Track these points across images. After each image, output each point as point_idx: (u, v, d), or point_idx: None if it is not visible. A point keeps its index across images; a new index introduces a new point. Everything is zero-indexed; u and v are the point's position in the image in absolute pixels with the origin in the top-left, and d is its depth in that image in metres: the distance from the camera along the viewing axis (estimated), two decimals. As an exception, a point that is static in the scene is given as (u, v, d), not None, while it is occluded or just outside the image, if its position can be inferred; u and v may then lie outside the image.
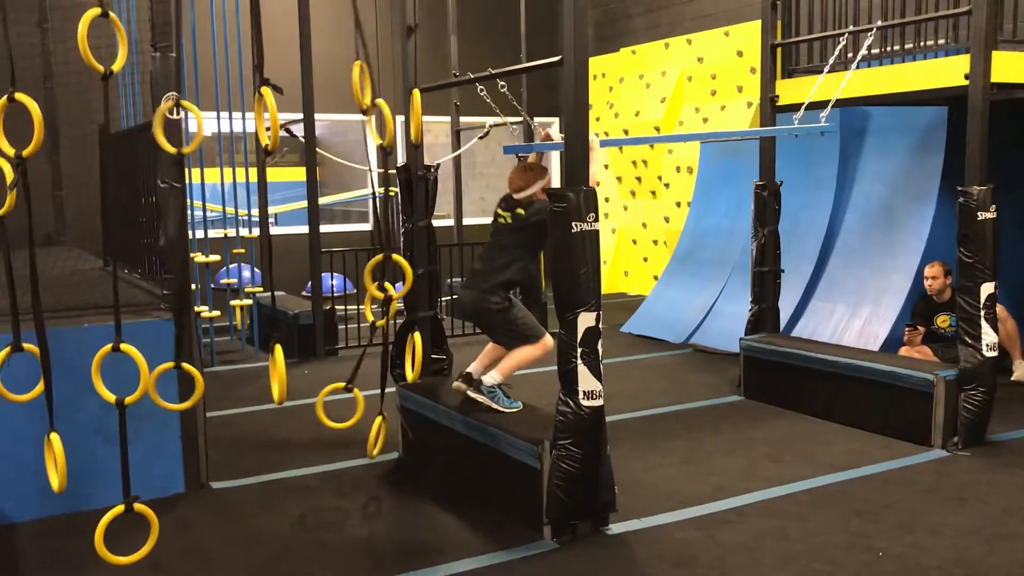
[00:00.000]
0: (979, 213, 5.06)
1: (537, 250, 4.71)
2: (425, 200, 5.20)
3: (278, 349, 3.65)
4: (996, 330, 5.23)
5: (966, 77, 5.11)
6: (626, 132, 11.38)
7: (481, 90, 4.56)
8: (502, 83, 4.46)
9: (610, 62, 12.22)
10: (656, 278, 9.95)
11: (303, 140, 8.23)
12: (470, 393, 4.61)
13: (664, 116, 10.90)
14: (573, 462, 3.94)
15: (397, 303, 4.49)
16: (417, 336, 4.89)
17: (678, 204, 10.72)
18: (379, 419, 4.46)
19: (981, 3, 5.02)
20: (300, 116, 8.13)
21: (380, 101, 3.94)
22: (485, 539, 4.09)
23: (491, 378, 4.59)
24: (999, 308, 5.95)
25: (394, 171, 5.15)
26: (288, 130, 8.79)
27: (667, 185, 10.99)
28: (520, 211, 4.48)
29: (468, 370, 4.76)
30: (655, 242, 11.39)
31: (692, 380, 7.09)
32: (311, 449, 5.47)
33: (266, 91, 3.43)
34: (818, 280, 7.71)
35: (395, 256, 4.12)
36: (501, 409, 4.51)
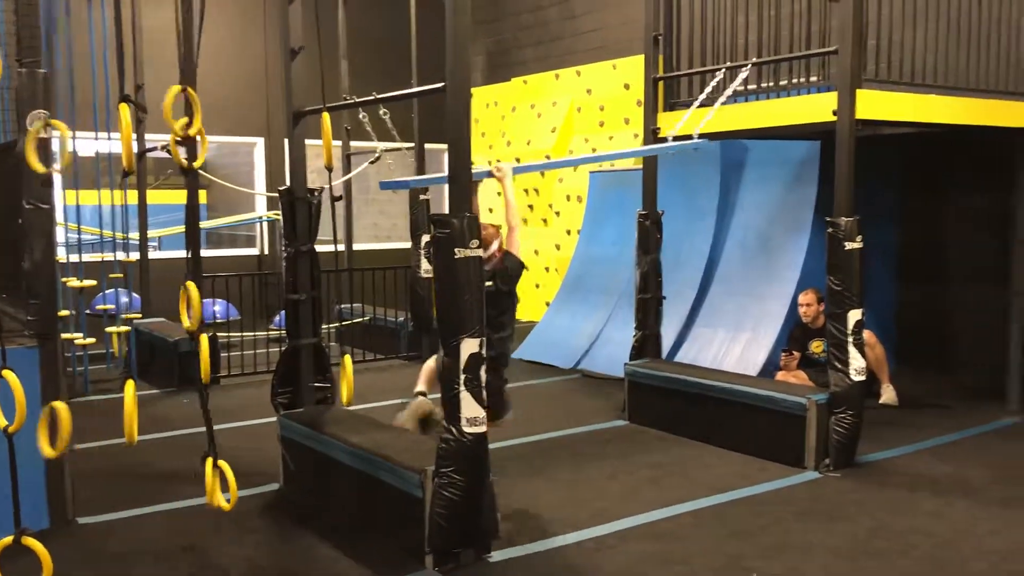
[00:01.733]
0: (846, 243, 5.29)
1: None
2: (308, 224, 5.11)
3: (129, 386, 3.46)
4: (864, 355, 5.47)
5: (834, 113, 5.36)
6: (518, 160, 11.49)
7: (362, 115, 4.52)
8: (384, 110, 4.43)
9: (503, 91, 12.35)
10: (548, 304, 10.04)
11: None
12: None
13: (555, 145, 11.05)
14: (455, 490, 3.91)
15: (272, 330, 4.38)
16: (347, 359, 4.73)
17: (568, 232, 10.87)
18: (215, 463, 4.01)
19: (846, 44, 5.28)
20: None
21: (325, 115, 3.81)
22: (366, 570, 4.01)
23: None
24: (867, 334, 6.22)
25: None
26: (168, 151, 8.53)
27: (558, 213, 11.13)
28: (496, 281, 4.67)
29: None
30: (547, 269, 11.50)
31: (579, 405, 7.16)
32: (187, 481, 5.27)
33: (123, 108, 3.30)
34: (700, 306, 7.91)
35: (189, 284, 3.82)
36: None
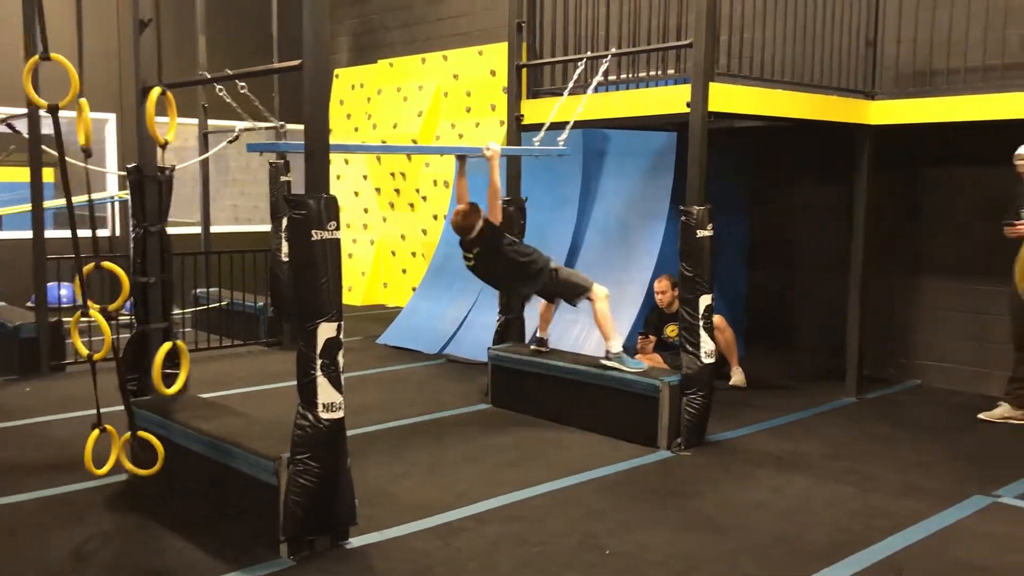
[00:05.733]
0: (698, 231, 5.50)
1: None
2: (158, 204, 4.90)
3: None
4: (714, 339, 5.69)
5: (688, 105, 5.54)
6: (384, 143, 11.38)
7: (220, 90, 4.37)
8: (242, 84, 4.30)
9: (368, 73, 12.18)
10: (415, 290, 10.00)
11: (27, 136, 7.53)
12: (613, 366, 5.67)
13: (421, 130, 11.00)
14: (311, 477, 3.86)
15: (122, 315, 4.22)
16: (182, 345, 4.58)
17: (435, 217, 10.84)
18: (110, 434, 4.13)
19: (700, 38, 5.47)
20: (24, 111, 7.44)
21: (83, 101, 3.66)
22: (217, 560, 3.90)
23: (615, 345, 5.72)
24: (717, 318, 6.49)
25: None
26: (10, 125, 8.03)
27: (425, 198, 11.09)
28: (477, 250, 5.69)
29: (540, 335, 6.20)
30: (413, 254, 11.45)
31: (443, 390, 7.17)
32: (31, 472, 5.02)
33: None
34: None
35: (107, 264, 3.78)
36: (630, 370, 5.62)
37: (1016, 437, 5.91)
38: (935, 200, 7.31)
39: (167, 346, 4.57)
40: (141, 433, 4.30)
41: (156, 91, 4.28)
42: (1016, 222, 5.87)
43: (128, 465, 4.34)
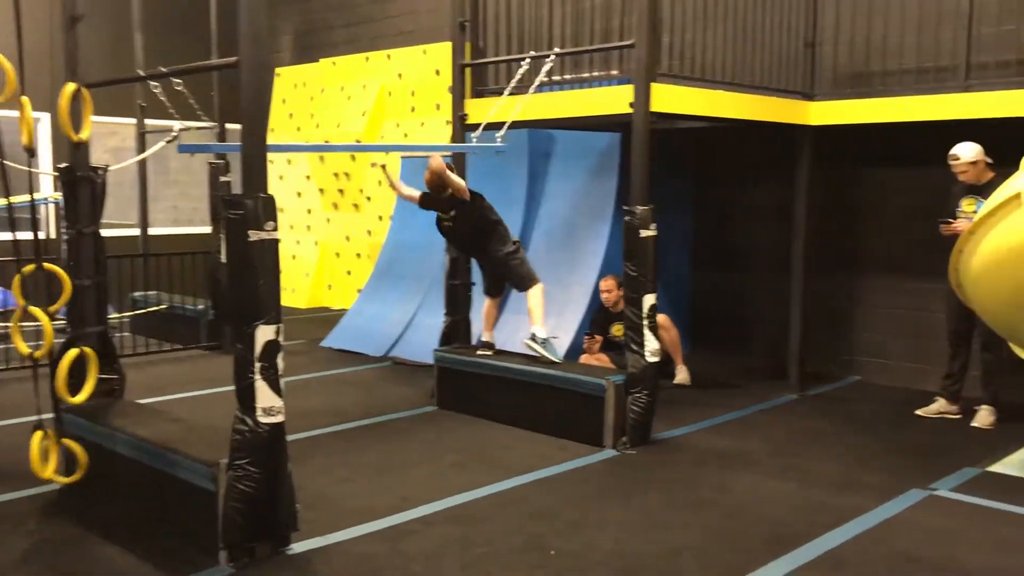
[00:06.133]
0: (642, 231, 5.52)
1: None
2: (92, 205, 4.77)
3: None
4: (659, 338, 5.72)
5: (631, 105, 5.56)
6: (327, 141, 11.27)
7: (155, 88, 4.27)
8: (177, 82, 4.20)
9: (311, 72, 12.04)
10: (360, 292, 9.90)
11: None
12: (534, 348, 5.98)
13: (365, 129, 10.90)
14: (251, 482, 3.78)
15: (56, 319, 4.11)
16: (72, 354, 4.46)
17: (380, 218, 10.76)
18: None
19: (642, 39, 5.49)
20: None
21: (24, 99, 3.56)
22: (154, 569, 3.81)
23: (543, 331, 5.99)
24: (662, 317, 6.54)
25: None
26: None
27: (369, 199, 11.00)
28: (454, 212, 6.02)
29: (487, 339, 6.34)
30: (358, 255, 11.34)
31: (389, 393, 7.11)
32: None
33: None
34: (509, 293, 8.02)
35: (48, 266, 3.72)
36: (549, 357, 5.92)
37: (952, 432, 6.05)
38: (874, 200, 7.45)
39: (73, 352, 4.46)
40: (64, 440, 4.18)
41: (70, 87, 4.17)
42: (951, 220, 6.01)
43: (46, 472, 4.21)
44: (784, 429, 6.10)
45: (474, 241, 6.28)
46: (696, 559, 3.99)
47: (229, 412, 3.87)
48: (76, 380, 4.78)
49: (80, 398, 4.52)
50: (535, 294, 6.16)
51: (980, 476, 5.13)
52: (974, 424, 6.11)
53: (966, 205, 6.02)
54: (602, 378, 5.64)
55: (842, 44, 6.97)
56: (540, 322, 6.10)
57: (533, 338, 6.05)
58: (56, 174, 4.01)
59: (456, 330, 6.79)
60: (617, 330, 7.06)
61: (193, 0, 10.87)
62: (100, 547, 4.05)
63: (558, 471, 5.17)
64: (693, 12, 6.27)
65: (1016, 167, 4.75)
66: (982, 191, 5.90)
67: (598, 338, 7.19)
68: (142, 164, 9.22)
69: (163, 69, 4.19)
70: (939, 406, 6.37)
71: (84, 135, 4.32)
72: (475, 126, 6.47)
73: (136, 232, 9.84)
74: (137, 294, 9.29)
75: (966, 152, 5.95)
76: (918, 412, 6.41)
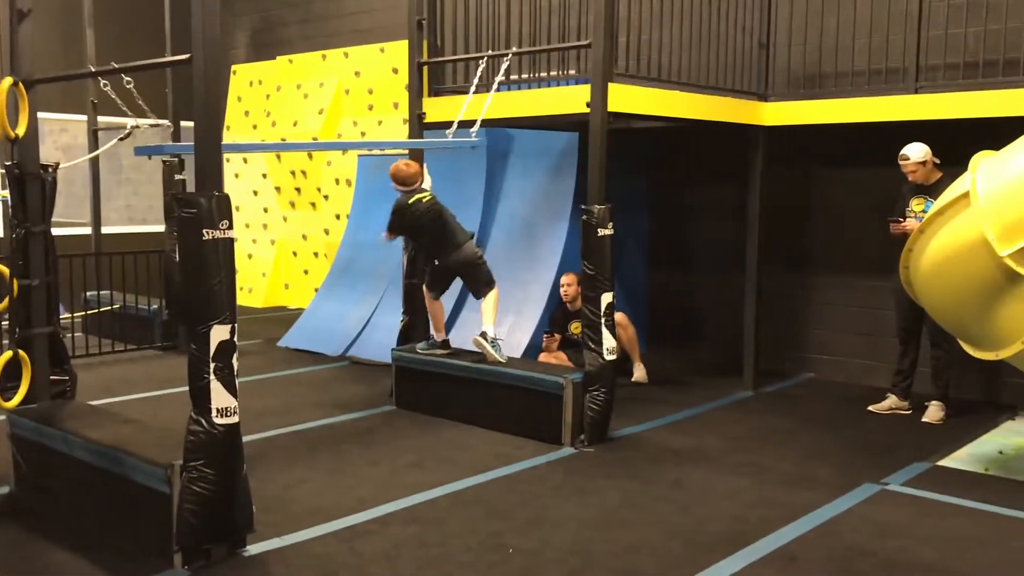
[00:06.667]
0: (599, 230, 5.55)
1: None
2: (42, 203, 4.68)
3: None
4: (616, 336, 5.76)
5: (588, 105, 5.58)
6: (284, 141, 11.17)
7: (105, 85, 4.19)
8: (128, 79, 4.14)
9: (267, 69, 11.91)
10: (317, 291, 9.82)
11: None
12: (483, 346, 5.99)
13: (322, 128, 10.82)
14: (206, 484, 3.74)
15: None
16: (23, 355, 4.39)
17: (338, 216, 10.69)
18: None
19: (599, 39, 5.52)
20: None
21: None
22: (104, 573, 3.75)
23: (493, 331, 6.06)
24: (619, 315, 6.58)
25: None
26: None
27: (326, 197, 10.92)
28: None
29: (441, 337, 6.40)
30: (316, 254, 11.26)
31: (347, 393, 7.06)
32: None
33: None
34: (467, 292, 8.02)
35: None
36: (495, 356, 5.96)
37: (902, 427, 6.16)
38: (826, 199, 7.56)
39: (7, 355, 4.38)
40: None
41: (7, 82, 4.09)
42: (901, 219, 6.12)
43: None
44: (739, 426, 6.18)
45: (444, 232, 6.19)
46: (652, 555, 4.03)
47: (184, 413, 3.82)
48: (15, 384, 4.70)
49: (11, 404, 4.44)
50: (492, 295, 6.20)
51: (930, 470, 5.24)
52: (924, 420, 6.23)
53: (915, 204, 6.15)
54: (560, 376, 5.66)
55: (796, 45, 7.07)
56: (492, 322, 6.13)
57: (483, 336, 6.05)
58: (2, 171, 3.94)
59: (414, 329, 6.77)
60: (576, 328, 7.09)
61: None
62: (50, 552, 3.98)
63: (516, 469, 5.18)
64: (650, 13, 6.31)
65: (964, 167, 4.85)
66: (931, 191, 6.03)
67: (557, 336, 7.22)
68: (94, 161, 9.05)
69: (114, 65, 4.12)
70: (891, 402, 6.49)
71: (20, 131, 4.25)
72: (433, 124, 6.47)
73: (88, 231, 9.67)
74: (90, 293, 9.12)
75: (915, 152, 6.07)
76: (870, 408, 6.53)
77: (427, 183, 6.32)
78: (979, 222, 4.55)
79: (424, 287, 6.45)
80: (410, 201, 6.13)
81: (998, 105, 5.80)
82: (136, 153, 4.55)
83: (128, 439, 4.15)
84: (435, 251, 6.28)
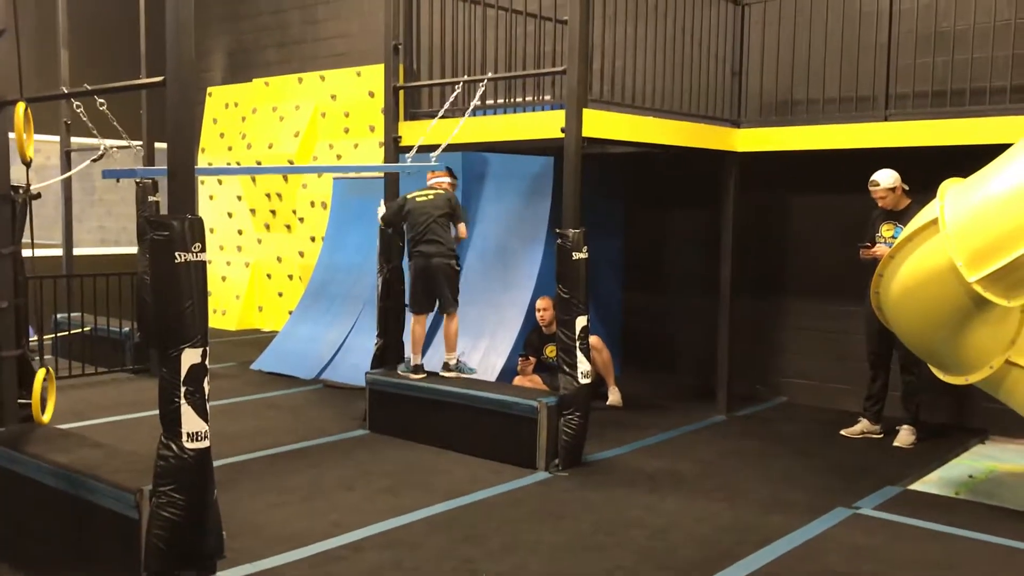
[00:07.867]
0: (574, 253, 5.57)
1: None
2: (12, 224, 4.63)
3: None
4: (591, 359, 5.77)
5: (562, 130, 5.62)
6: (259, 163, 11.14)
7: (77, 107, 4.17)
8: (101, 101, 4.12)
9: (243, 92, 11.90)
10: (291, 313, 9.77)
11: None
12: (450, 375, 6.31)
13: (298, 150, 10.80)
14: (176, 509, 3.68)
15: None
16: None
17: (312, 239, 10.66)
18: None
19: (573, 65, 5.57)
20: None
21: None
22: (72, 602, 3.69)
23: (455, 357, 6.42)
24: (595, 339, 6.60)
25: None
26: None
27: (302, 219, 10.89)
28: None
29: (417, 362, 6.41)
30: (290, 277, 11.21)
31: (320, 416, 7.02)
32: None
33: None
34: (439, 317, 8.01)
35: None
36: (467, 375, 6.38)
37: (874, 451, 6.21)
38: (798, 225, 7.64)
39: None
40: None
41: (21, 106, 4.05)
42: (870, 245, 6.20)
43: None
44: (713, 450, 6.19)
45: (439, 225, 6.33)
46: (626, 580, 4.02)
47: (154, 437, 3.77)
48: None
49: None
50: (455, 321, 6.44)
51: (902, 494, 5.27)
52: (896, 443, 6.28)
53: (885, 230, 6.23)
54: (534, 400, 5.66)
55: (768, 73, 7.16)
56: (455, 348, 6.46)
57: (447, 367, 6.42)
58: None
59: (388, 352, 6.74)
60: (551, 352, 7.10)
61: (123, 18, 10.72)
62: (15, 579, 3.91)
63: (490, 494, 5.16)
64: (624, 40, 6.38)
65: (933, 194, 4.92)
66: (900, 217, 6.11)
67: (532, 359, 7.22)
68: (67, 182, 8.99)
69: (87, 87, 4.10)
70: (862, 426, 6.53)
71: (29, 153, 4.21)
72: (408, 148, 6.49)
73: (60, 252, 9.58)
74: (60, 316, 9.02)
75: (885, 179, 6.16)
76: (843, 432, 6.57)
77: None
78: (947, 248, 4.61)
79: (408, 309, 6.52)
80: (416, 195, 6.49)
81: (965, 133, 5.91)
82: (104, 176, 4.52)
83: (97, 464, 4.09)
84: (420, 244, 6.40)
